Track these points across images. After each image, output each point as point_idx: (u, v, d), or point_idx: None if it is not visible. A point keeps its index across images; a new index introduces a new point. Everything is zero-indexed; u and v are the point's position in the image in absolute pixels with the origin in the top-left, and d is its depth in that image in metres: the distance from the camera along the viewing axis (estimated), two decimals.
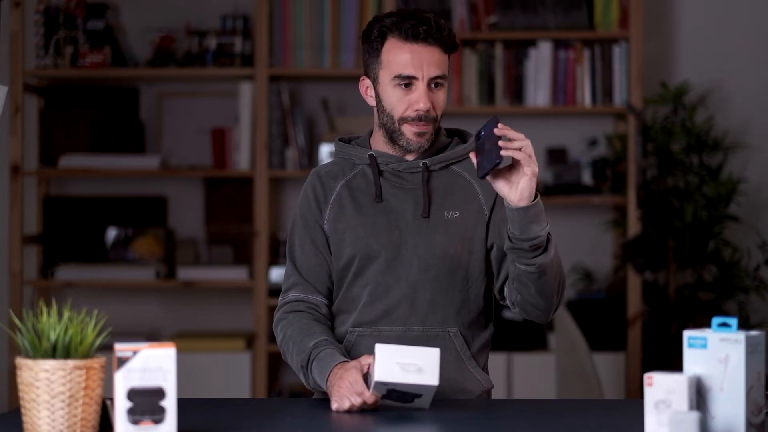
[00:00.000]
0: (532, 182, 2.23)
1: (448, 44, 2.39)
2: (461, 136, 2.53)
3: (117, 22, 4.78)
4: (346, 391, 2.21)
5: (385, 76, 2.40)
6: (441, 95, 2.41)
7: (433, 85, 2.39)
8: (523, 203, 2.25)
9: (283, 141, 4.68)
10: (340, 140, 2.54)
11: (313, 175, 2.51)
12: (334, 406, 2.22)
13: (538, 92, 4.63)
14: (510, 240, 2.30)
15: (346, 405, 2.20)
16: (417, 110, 2.38)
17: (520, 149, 2.20)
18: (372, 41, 2.42)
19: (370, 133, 2.52)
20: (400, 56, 2.38)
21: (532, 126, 4.86)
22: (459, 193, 2.44)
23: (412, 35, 2.37)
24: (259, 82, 4.60)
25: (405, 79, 2.38)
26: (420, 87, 2.38)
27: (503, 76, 4.64)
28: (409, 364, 2.15)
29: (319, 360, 2.32)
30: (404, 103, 2.39)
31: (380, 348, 2.16)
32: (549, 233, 2.34)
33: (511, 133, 2.21)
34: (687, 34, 4.87)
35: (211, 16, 4.79)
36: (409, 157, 2.46)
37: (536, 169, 2.23)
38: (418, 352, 2.15)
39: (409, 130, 2.41)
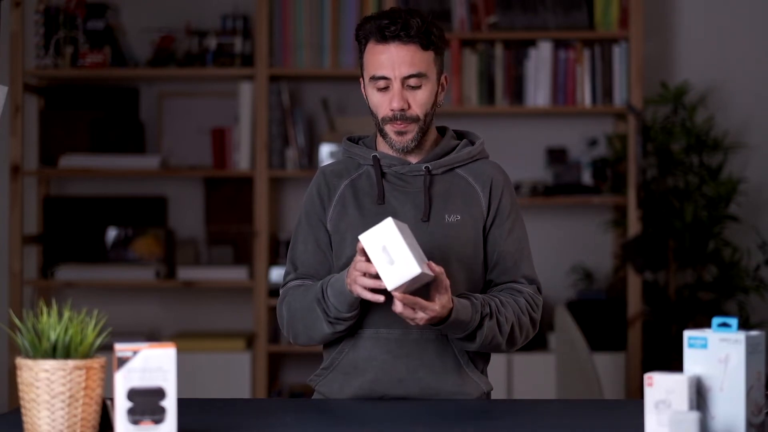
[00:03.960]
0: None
1: (422, 41, 2.37)
2: (469, 139, 2.53)
3: (117, 22, 4.78)
4: (352, 278, 2.24)
5: (366, 78, 2.42)
6: (420, 94, 2.39)
7: (409, 84, 2.38)
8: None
9: (283, 141, 4.68)
10: (349, 139, 2.54)
11: (319, 173, 2.51)
12: (364, 296, 2.24)
13: (538, 92, 4.63)
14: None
15: (358, 291, 2.24)
16: (392, 110, 2.38)
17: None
18: (359, 44, 2.44)
19: (377, 134, 2.52)
20: (375, 57, 2.39)
21: (532, 126, 4.87)
22: (461, 197, 2.44)
23: (382, 37, 2.37)
24: (259, 82, 4.60)
25: (379, 80, 2.38)
26: (394, 86, 2.38)
27: (503, 76, 4.64)
28: (389, 255, 2.16)
29: (332, 284, 2.33)
30: (383, 103, 2.40)
31: (388, 223, 2.17)
32: (481, 325, 2.34)
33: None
34: (687, 34, 4.87)
35: (211, 16, 4.79)
36: (413, 160, 2.45)
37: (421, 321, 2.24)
38: (406, 256, 2.15)
39: (390, 130, 2.41)
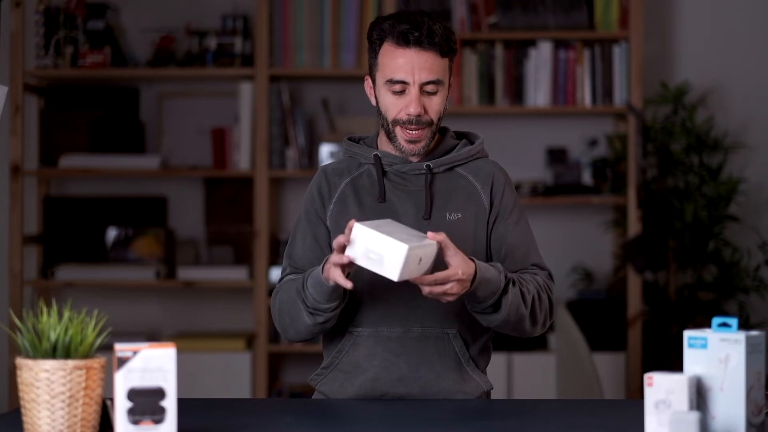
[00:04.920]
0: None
1: (443, 48, 2.38)
2: (468, 139, 2.53)
3: (117, 22, 4.78)
4: (327, 267, 2.24)
5: (380, 80, 2.41)
6: (436, 100, 2.39)
7: (426, 90, 2.38)
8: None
9: (283, 141, 4.68)
10: (349, 139, 2.54)
11: (320, 171, 2.52)
12: (339, 282, 2.24)
13: (538, 92, 4.63)
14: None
15: (333, 276, 2.22)
16: (408, 114, 2.38)
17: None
18: (372, 43, 2.43)
19: (378, 133, 2.52)
20: (393, 61, 2.38)
21: (532, 126, 4.87)
22: (462, 195, 2.44)
23: (403, 40, 2.37)
24: (259, 82, 4.60)
25: (396, 84, 2.38)
26: (412, 91, 2.37)
27: (503, 76, 4.64)
28: (375, 253, 2.14)
29: (312, 275, 2.32)
30: (397, 106, 2.39)
31: (357, 228, 2.15)
32: (506, 291, 2.31)
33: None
34: (687, 34, 4.87)
35: (211, 16, 4.79)
36: (413, 159, 2.46)
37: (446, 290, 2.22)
38: (388, 244, 2.12)
39: (401, 135, 2.41)
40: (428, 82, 2.38)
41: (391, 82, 2.38)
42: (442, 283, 2.21)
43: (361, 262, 2.16)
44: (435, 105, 2.40)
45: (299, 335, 2.41)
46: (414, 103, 2.37)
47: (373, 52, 2.42)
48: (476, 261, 2.27)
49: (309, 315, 2.35)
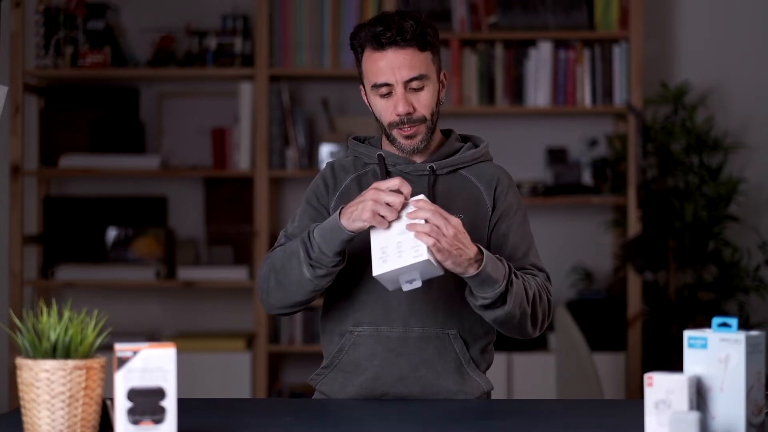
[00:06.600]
0: (456, 260, 2.21)
1: (419, 43, 2.37)
2: (473, 142, 2.53)
3: (117, 22, 4.78)
4: (367, 200, 2.23)
5: (368, 86, 2.42)
6: (423, 95, 2.39)
7: (412, 87, 2.38)
8: (466, 274, 2.25)
9: (283, 141, 4.68)
10: (355, 138, 2.54)
11: (327, 166, 2.52)
12: (363, 217, 2.23)
13: (538, 92, 4.63)
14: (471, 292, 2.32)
15: (373, 210, 2.22)
16: (398, 114, 2.38)
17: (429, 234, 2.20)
18: (355, 53, 2.44)
19: (383, 135, 2.52)
20: (374, 65, 2.38)
21: (532, 126, 4.87)
22: (464, 197, 2.44)
23: (378, 43, 2.37)
24: (259, 82, 4.60)
25: (382, 87, 2.38)
26: (397, 91, 2.38)
27: (503, 76, 4.64)
28: (410, 276, 2.22)
29: (321, 225, 2.30)
30: (388, 109, 2.40)
31: (378, 275, 2.21)
32: (510, 283, 2.29)
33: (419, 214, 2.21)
34: (687, 34, 4.87)
35: (211, 16, 4.79)
36: (417, 160, 2.46)
37: (447, 246, 2.19)
38: (413, 266, 2.19)
39: (399, 135, 2.41)
40: (411, 79, 2.37)
41: (377, 86, 2.39)
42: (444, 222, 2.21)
43: (407, 288, 2.23)
44: (423, 100, 2.39)
45: (286, 297, 2.37)
46: (401, 102, 2.37)
47: (358, 61, 2.44)
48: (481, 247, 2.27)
49: (310, 268, 2.30)
